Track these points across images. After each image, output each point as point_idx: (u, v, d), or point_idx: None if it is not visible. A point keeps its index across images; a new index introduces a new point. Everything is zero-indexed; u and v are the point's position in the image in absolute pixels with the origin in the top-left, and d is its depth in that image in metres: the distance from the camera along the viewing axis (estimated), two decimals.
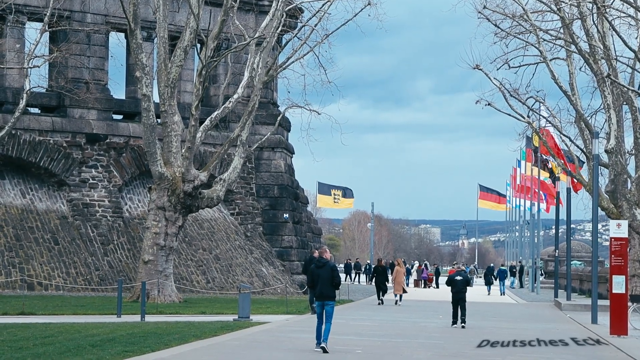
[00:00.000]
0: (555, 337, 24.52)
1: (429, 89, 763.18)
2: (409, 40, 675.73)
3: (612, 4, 37.24)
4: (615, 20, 38.93)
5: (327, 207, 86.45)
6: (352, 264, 77.90)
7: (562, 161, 46.79)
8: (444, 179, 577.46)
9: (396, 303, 40.04)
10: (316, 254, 35.01)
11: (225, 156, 44.51)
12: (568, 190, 46.48)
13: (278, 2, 39.79)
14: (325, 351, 19.35)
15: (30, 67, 40.30)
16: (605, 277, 42.82)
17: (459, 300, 27.54)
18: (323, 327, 19.61)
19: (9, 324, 24.00)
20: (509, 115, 44.83)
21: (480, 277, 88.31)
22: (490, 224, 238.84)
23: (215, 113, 39.29)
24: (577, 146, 44.51)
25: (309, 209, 59.90)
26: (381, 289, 41.09)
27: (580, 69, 43.24)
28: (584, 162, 45.55)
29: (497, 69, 43.64)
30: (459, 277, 28.02)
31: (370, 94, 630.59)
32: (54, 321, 25.79)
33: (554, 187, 56.01)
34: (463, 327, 27.33)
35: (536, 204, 63.46)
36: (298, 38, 42.11)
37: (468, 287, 28.85)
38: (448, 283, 28.50)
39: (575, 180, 45.73)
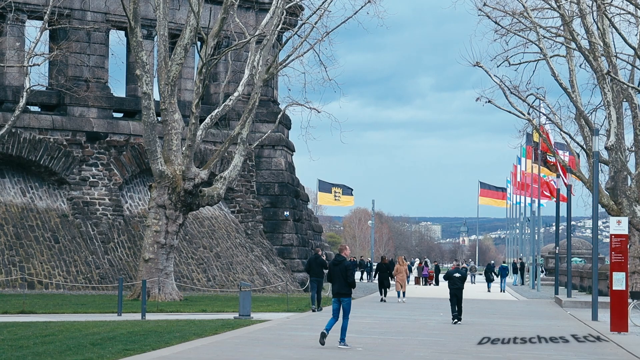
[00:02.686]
0: (556, 334, 24.53)
1: (431, 86, 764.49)
2: (410, 37, 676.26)
3: (612, 1, 37.22)
4: (615, 18, 38.94)
5: (327, 204, 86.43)
6: (357, 261, 77.36)
7: (562, 159, 46.82)
8: (444, 176, 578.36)
9: (399, 296, 40.38)
10: (320, 252, 35.23)
11: (226, 154, 44.48)
12: (569, 187, 46.50)
13: None
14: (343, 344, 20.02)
15: (31, 65, 40.32)
16: (605, 274, 42.85)
17: (456, 295, 28.36)
18: (336, 323, 20.15)
19: (10, 323, 24.00)
20: (510, 112, 44.95)
21: (480, 274, 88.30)
22: (491, 221, 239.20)
23: (216, 111, 39.27)
24: (577, 143, 44.53)
25: (309, 207, 59.90)
26: (384, 286, 41.36)
27: (580, 66, 43.28)
28: (579, 155, 45.63)
29: (498, 66, 43.75)
30: (457, 274, 28.90)
31: (372, 91, 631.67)
32: (55, 320, 25.80)
33: (555, 186, 55.99)
34: (459, 323, 27.94)
35: (536, 200, 63.44)
36: (298, 36, 42.10)
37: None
38: (446, 278, 29.56)
39: (576, 176, 45.73)
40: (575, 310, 37.37)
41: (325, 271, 34.05)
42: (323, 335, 19.85)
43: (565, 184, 47.43)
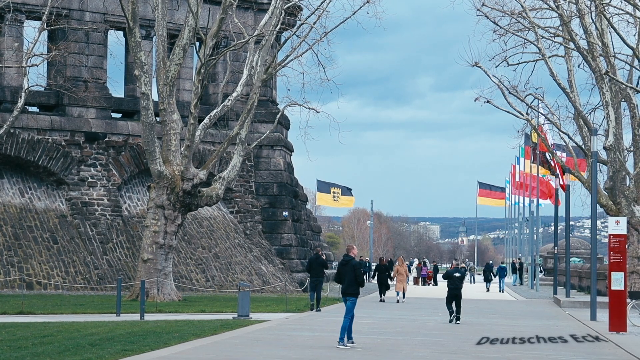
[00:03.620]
0: (555, 334, 24.53)
1: (430, 86, 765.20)
2: (409, 37, 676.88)
3: (610, 1, 37.24)
4: (613, 18, 38.96)
5: (326, 205, 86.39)
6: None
7: (560, 159, 46.81)
8: (443, 177, 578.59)
9: (398, 301, 40.33)
10: (320, 252, 35.23)
11: (225, 154, 44.49)
12: (567, 188, 46.50)
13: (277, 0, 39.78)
14: (347, 344, 19.98)
15: (29, 66, 40.31)
16: (604, 274, 42.84)
17: (455, 295, 28.41)
18: (351, 320, 20.31)
19: (8, 323, 23.99)
20: (508, 112, 44.97)
21: (479, 274, 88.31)
22: (490, 221, 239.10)
23: (215, 111, 39.27)
24: (576, 143, 44.53)
25: (308, 207, 59.89)
26: (383, 286, 41.37)
27: (578, 66, 43.30)
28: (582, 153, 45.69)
29: (496, 67, 43.76)
30: (457, 274, 28.91)
31: (371, 91, 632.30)
32: (53, 320, 25.78)
33: (553, 187, 56.02)
34: (458, 322, 27.97)
35: (535, 200, 63.45)
36: (297, 36, 42.10)
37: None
38: (446, 277, 29.47)
39: (574, 176, 45.72)
40: (574, 310, 37.36)
41: (326, 271, 34.13)
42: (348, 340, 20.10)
43: (562, 186, 47.41)
